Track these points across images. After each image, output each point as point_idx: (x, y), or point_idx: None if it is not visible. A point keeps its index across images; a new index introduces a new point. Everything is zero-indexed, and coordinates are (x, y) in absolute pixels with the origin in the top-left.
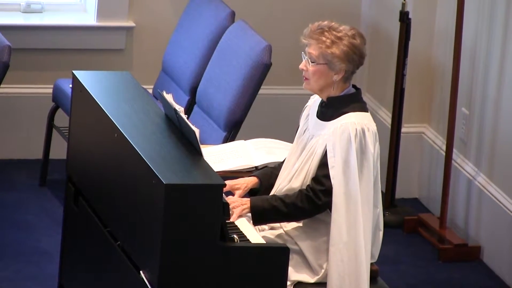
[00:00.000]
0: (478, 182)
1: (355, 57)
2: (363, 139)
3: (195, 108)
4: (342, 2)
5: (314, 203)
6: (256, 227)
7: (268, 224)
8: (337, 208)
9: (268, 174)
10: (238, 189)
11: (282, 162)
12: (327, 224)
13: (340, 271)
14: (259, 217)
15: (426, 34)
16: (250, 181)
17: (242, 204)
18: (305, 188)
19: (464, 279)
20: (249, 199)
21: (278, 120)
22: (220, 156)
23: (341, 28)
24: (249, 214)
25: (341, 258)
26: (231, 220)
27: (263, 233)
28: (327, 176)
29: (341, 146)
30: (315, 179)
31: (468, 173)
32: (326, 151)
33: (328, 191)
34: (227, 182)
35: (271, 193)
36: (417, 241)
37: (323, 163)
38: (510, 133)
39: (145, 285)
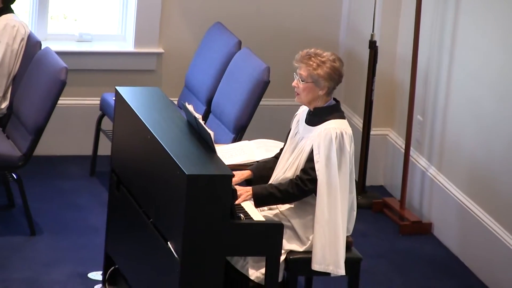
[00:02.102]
0: (430, 173)
1: (335, 77)
2: (342, 140)
3: (210, 115)
4: (325, 33)
5: (302, 189)
6: (258, 208)
7: (267, 206)
8: (321, 193)
9: (260, 167)
10: (235, 178)
11: (274, 156)
12: (313, 205)
13: (322, 242)
14: (259, 201)
15: (389, 58)
16: (245, 173)
17: (246, 191)
18: (295, 177)
19: (419, 248)
20: (251, 187)
21: (274, 125)
22: (229, 153)
23: (324, 54)
24: (252, 199)
25: (323, 232)
26: (238, 202)
27: (263, 213)
28: (313, 169)
29: (325, 145)
30: (303, 170)
31: (422, 166)
32: (312, 149)
33: (313, 180)
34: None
35: (270, 182)
36: (382, 219)
37: (310, 158)
38: (455, 136)
39: (172, 253)
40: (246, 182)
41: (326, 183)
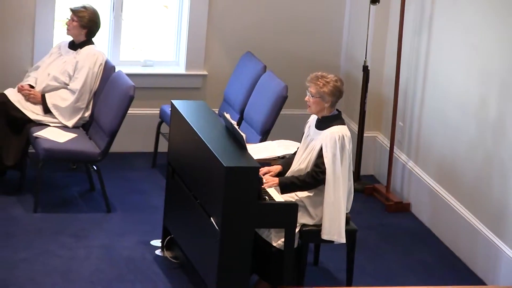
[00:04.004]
0: (409, 165)
1: (337, 93)
2: (343, 141)
3: (243, 122)
4: (329, 60)
5: (316, 179)
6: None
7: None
8: (328, 181)
9: (286, 162)
10: (271, 171)
11: (294, 153)
12: (320, 190)
13: (329, 218)
14: (284, 189)
15: (378, 79)
16: (278, 168)
17: (273, 180)
18: (310, 171)
19: (400, 223)
20: (278, 178)
21: (291, 129)
22: (257, 150)
23: (328, 76)
24: (278, 187)
25: (329, 210)
26: (265, 187)
27: (284, 196)
28: (323, 163)
29: (331, 145)
30: (315, 165)
31: (402, 160)
32: (321, 148)
33: (323, 172)
34: (267, 167)
35: (289, 172)
36: (372, 200)
37: (320, 155)
38: (427, 137)
39: (213, 226)
40: (277, 174)
41: (332, 173)
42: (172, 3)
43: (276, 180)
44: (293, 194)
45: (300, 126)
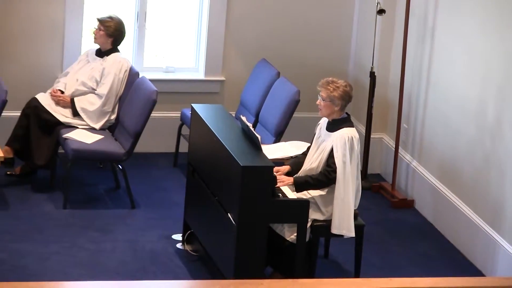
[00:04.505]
0: (412, 165)
1: (346, 98)
2: (352, 142)
3: (258, 124)
4: (339, 67)
5: (328, 177)
6: (294, 192)
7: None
8: (338, 180)
9: (296, 162)
10: (279, 170)
11: (303, 154)
12: (331, 189)
13: (339, 214)
14: (299, 187)
15: (383, 84)
16: (286, 168)
17: (288, 179)
18: (322, 170)
19: (405, 218)
20: (293, 177)
21: (303, 131)
22: (271, 150)
23: (338, 81)
24: (291, 186)
25: (339, 206)
26: (280, 186)
27: (297, 194)
28: (334, 163)
29: (341, 146)
30: (327, 165)
31: (407, 160)
32: (332, 149)
33: (335, 171)
34: (276, 167)
35: (301, 172)
36: (378, 197)
37: (331, 156)
38: (430, 138)
39: (231, 221)
40: (286, 174)
41: (342, 172)
42: (192, 14)
43: (291, 179)
44: (305, 191)
45: (311, 128)
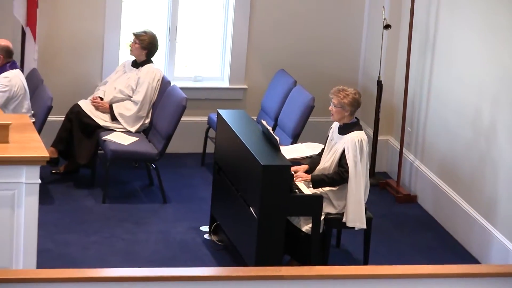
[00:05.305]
0: (416, 164)
1: (355, 104)
2: (362, 144)
3: (277, 128)
4: (349, 77)
5: (341, 176)
6: (310, 188)
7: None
8: (350, 178)
9: (313, 162)
10: (298, 170)
11: (318, 154)
12: (344, 186)
13: (351, 207)
14: (315, 184)
15: (389, 91)
16: (305, 167)
17: (306, 176)
18: (336, 170)
19: (408, 212)
20: (310, 175)
21: (317, 134)
22: (289, 151)
23: (348, 89)
24: (308, 182)
25: (351, 201)
26: (297, 182)
27: (312, 190)
28: (346, 163)
29: (352, 148)
30: (340, 165)
31: (410, 159)
32: (343, 150)
33: (347, 171)
34: (295, 167)
35: (316, 171)
36: (385, 193)
37: (343, 157)
38: (431, 140)
39: (252, 214)
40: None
41: (354, 171)
42: (218, 28)
43: (309, 176)
44: (321, 189)
45: (325, 131)
